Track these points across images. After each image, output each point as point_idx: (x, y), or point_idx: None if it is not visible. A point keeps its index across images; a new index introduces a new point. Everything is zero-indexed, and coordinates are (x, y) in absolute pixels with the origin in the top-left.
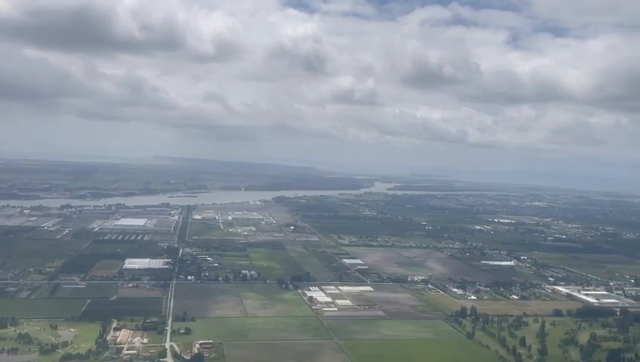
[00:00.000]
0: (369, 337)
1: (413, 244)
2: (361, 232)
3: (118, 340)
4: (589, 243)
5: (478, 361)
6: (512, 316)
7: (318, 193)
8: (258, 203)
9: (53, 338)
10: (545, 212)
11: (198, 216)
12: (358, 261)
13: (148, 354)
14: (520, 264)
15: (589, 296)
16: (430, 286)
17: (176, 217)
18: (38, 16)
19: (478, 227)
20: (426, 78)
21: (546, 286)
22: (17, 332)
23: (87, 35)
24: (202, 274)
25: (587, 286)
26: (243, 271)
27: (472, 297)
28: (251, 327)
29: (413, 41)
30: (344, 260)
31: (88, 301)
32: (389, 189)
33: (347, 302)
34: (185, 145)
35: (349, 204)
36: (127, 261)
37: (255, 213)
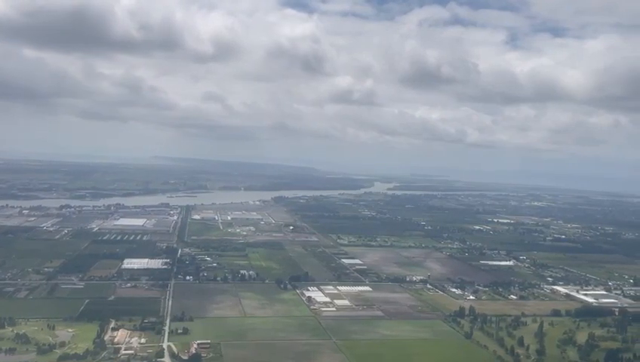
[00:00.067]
0: (367, 337)
1: (413, 244)
2: (361, 232)
3: (116, 340)
4: (589, 243)
5: (476, 361)
6: (510, 316)
7: (317, 193)
8: (257, 203)
9: (50, 339)
10: (544, 212)
11: (197, 216)
12: (357, 261)
13: (145, 354)
14: (519, 264)
15: (588, 296)
16: (429, 286)
17: (175, 217)
18: (35, 16)
19: (477, 227)
20: (424, 78)
21: (545, 286)
22: (15, 332)
23: (85, 35)
24: (201, 274)
25: (586, 286)
26: (242, 271)
27: (471, 297)
28: (249, 327)
29: (412, 41)
30: (343, 260)
31: (86, 301)
32: (388, 189)
33: (346, 302)
34: (184, 146)
35: (349, 204)
36: (125, 261)
37: (254, 213)
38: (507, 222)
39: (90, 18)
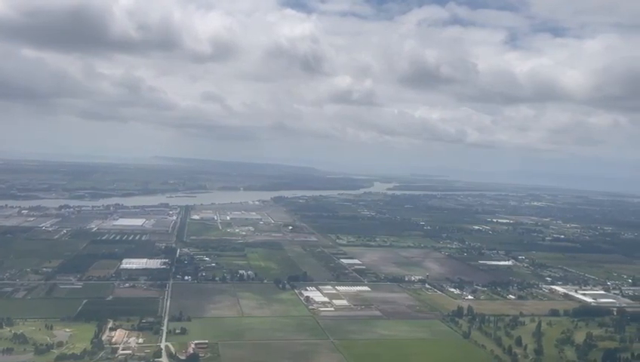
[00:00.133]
0: (365, 337)
1: (412, 244)
2: (360, 232)
3: (114, 340)
4: (588, 243)
5: (473, 361)
6: (508, 316)
7: (317, 193)
8: (257, 203)
9: (48, 339)
10: (544, 212)
11: (196, 216)
12: (356, 261)
13: (143, 354)
14: (518, 264)
15: (586, 296)
16: (427, 286)
17: (174, 217)
18: (35, 16)
19: (476, 227)
20: (424, 78)
21: (544, 285)
22: (13, 332)
23: (85, 35)
24: (199, 274)
25: (584, 286)
26: (240, 271)
27: (469, 297)
28: (247, 327)
29: (411, 41)
30: (342, 260)
31: (84, 301)
32: (388, 189)
33: (344, 302)
34: (184, 146)
35: (348, 204)
36: (124, 261)
37: (254, 213)
38: (506, 222)
39: (89, 18)
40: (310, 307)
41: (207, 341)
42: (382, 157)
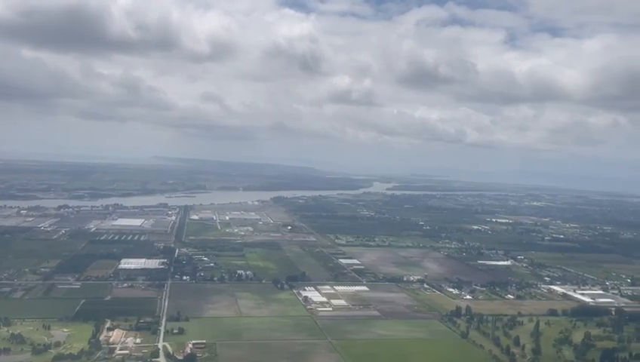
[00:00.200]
0: (363, 337)
1: (411, 244)
2: (359, 232)
3: (111, 340)
4: (587, 243)
5: (471, 360)
6: (506, 315)
7: (316, 193)
8: (256, 203)
9: (45, 339)
10: (543, 212)
11: (195, 217)
12: (355, 261)
13: (140, 354)
14: (517, 264)
15: (585, 296)
16: (426, 285)
17: (173, 217)
18: (32, 16)
19: (475, 227)
20: (423, 78)
21: (542, 285)
22: (10, 332)
23: (83, 35)
24: (198, 274)
25: (583, 286)
26: (238, 271)
27: (468, 297)
28: (245, 327)
29: (410, 41)
30: (340, 260)
31: (82, 301)
32: (387, 189)
33: (342, 302)
34: (183, 146)
35: (347, 204)
36: (122, 261)
37: (253, 213)
38: (506, 222)
39: (88, 18)
40: (308, 307)
41: (204, 341)
42: (381, 158)
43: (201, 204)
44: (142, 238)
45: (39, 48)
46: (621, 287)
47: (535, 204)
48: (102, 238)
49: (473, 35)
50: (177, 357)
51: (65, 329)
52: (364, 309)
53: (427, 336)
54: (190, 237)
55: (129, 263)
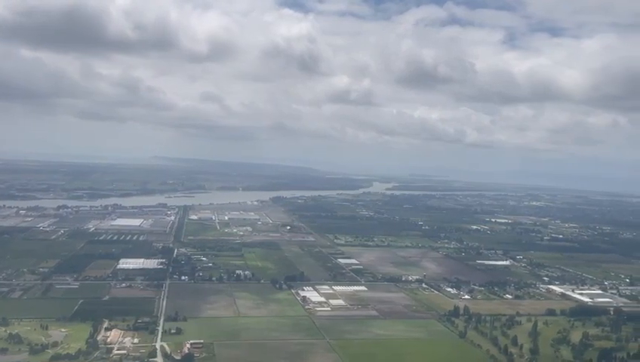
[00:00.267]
0: (361, 337)
1: (409, 244)
2: (358, 232)
3: (109, 340)
4: (586, 243)
5: (469, 360)
6: (505, 315)
7: (316, 193)
8: (255, 203)
9: (43, 339)
10: (542, 212)
11: (194, 217)
12: (353, 261)
13: (138, 354)
14: (515, 263)
15: (584, 296)
16: (424, 285)
17: (172, 217)
18: (31, 16)
19: (475, 227)
20: (422, 78)
21: (541, 285)
22: (8, 332)
23: (82, 34)
24: (196, 274)
25: (582, 286)
26: (237, 271)
27: (466, 297)
28: (243, 327)
29: (409, 41)
30: (339, 260)
31: (80, 301)
32: (387, 189)
33: (340, 302)
34: (183, 146)
35: (347, 204)
36: (121, 261)
37: (252, 213)
38: (505, 222)
39: (86, 18)
40: (306, 307)
41: (202, 341)
42: (381, 158)
43: (200, 204)
44: (141, 238)
45: (38, 48)
46: (620, 287)
47: (534, 203)
48: (101, 238)
49: (472, 34)
50: (175, 357)
51: (63, 329)
52: (362, 309)
53: (425, 336)
54: (189, 237)
55: (127, 263)
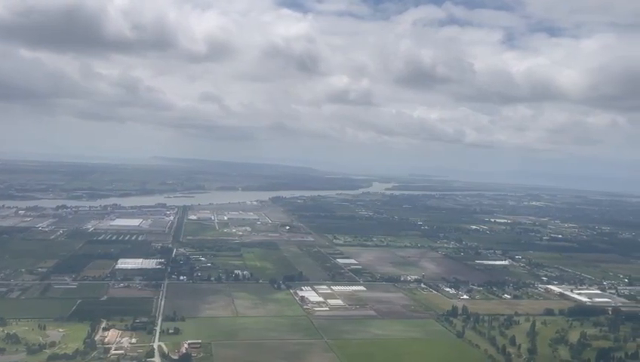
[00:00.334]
0: (359, 337)
1: (409, 244)
2: (357, 232)
3: (107, 340)
4: (585, 243)
5: (467, 360)
6: (503, 315)
7: (315, 193)
8: (255, 203)
9: (41, 339)
10: (542, 211)
11: (193, 217)
12: (352, 261)
13: (136, 353)
14: (514, 263)
15: (582, 295)
16: (423, 285)
17: (171, 217)
18: (30, 16)
19: (474, 227)
20: (421, 78)
21: (539, 285)
22: (5, 332)
23: (80, 35)
24: (195, 274)
25: (580, 286)
26: (236, 271)
27: (465, 296)
28: (241, 327)
29: (408, 41)
30: (338, 260)
31: (78, 301)
32: (386, 189)
33: (339, 302)
34: (183, 146)
35: (346, 204)
36: (120, 261)
37: (251, 214)
38: (504, 222)
39: (86, 18)
40: (305, 307)
41: (200, 341)
42: (380, 158)
43: (199, 204)
44: (139, 238)
45: (37, 48)
46: (618, 287)
47: (534, 203)
48: (99, 238)
49: (471, 34)
50: (172, 356)
51: (60, 329)
52: (360, 309)
53: (423, 336)
54: (188, 238)
55: (126, 263)
